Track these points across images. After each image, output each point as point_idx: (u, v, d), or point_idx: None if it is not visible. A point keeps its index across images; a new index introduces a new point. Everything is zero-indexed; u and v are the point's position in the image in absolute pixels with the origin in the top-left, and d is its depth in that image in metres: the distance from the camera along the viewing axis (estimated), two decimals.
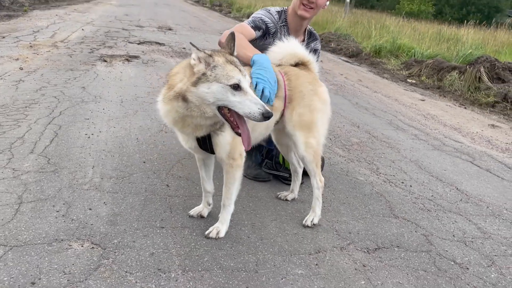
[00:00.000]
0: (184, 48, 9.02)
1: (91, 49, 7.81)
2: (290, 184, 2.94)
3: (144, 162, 3.01)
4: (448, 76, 8.21)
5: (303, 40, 3.08)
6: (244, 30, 2.66)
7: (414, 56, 10.18)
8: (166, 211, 2.38)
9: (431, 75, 8.72)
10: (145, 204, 2.44)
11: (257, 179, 2.95)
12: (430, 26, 19.43)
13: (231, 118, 1.76)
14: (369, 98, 6.43)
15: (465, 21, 16.39)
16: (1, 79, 5.02)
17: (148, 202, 2.46)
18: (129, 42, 8.95)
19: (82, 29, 10.25)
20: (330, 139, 4.16)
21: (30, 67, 5.83)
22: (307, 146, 2.29)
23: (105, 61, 6.81)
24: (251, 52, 2.32)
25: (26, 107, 4.02)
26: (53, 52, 7.11)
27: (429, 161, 3.90)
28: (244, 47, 2.35)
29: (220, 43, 2.52)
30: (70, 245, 1.98)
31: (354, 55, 11.37)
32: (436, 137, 4.75)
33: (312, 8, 2.84)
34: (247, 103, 1.67)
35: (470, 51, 9.50)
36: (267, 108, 1.68)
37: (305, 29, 3.07)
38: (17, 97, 4.32)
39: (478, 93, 7.45)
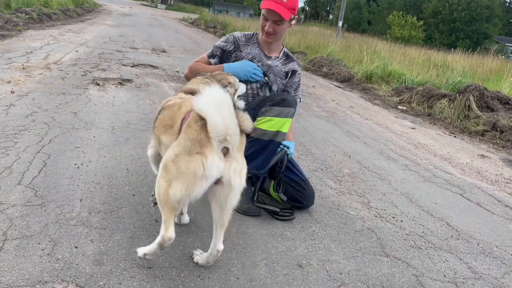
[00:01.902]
0: (177, 71, 9.06)
1: (84, 71, 7.81)
2: (280, 219, 2.92)
3: (133, 195, 2.98)
4: (438, 104, 8.31)
5: (277, 57, 3.24)
6: (202, 60, 3.17)
7: (405, 82, 10.32)
8: None
9: (422, 102, 8.83)
10: (133, 241, 2.39)
11: (248, 213, 2.93)
12: (420, 51, 19.81)
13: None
14: (360, 125, 6.47)
15: (455, 46, 16.69)
16: None
17: (136, 239, 2.42)
18: (122, 65, 8.97)
19: (76, 51, 10.27)
20: (322, 169, 4.16)
21: (22, 91, 5.79)
22: None
23: (98, 84, 6.81)
24: (207, 69, 2.95)
25: (15, 133, 3.97)
26: (45, 75, 7.09)
27: (419, 193, 3.90)
28: (200, 70, 2.97)
29: (186, 76, 3.10)
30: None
31: (346, 80, 11.50)
32: (426, 167, 4.77)
33: (273, 35, 3.05)
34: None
35: (459, 78, 9.65)
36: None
37: (280, 49, 3.28)
38: (7, 123, 4.28)
39: (467, 121, 7.54)
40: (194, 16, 34.48)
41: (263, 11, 2.97)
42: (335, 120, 6.60)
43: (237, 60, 3.10)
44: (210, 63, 3.14)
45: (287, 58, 3.33)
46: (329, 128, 5.96)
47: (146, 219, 2.68)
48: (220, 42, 3.18)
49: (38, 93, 5.76)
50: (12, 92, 5.63)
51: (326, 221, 3.03)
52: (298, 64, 3.40)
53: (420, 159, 5.07)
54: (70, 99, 5.57)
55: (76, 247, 2.26)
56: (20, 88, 5.96)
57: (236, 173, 1.91)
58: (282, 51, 3.30)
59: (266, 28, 3.02)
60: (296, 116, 6.42)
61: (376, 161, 4.73)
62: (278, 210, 2.95)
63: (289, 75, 3.31)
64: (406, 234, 3.03)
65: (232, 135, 1.79)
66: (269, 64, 3.19)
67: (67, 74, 7.39)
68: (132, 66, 8.98)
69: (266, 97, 3.06)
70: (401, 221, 3.24)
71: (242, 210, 2.94)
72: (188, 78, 3.10)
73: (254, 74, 3.00)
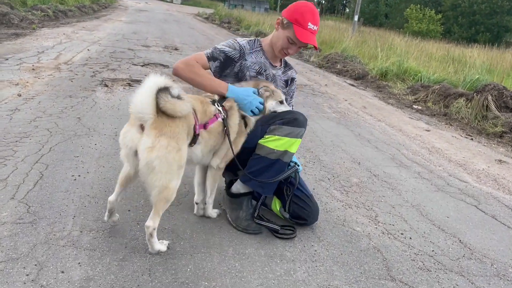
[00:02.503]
0: None
1: (93, 72, 7.77)
2: (281, 238, 2.79)
3: (128, 210, 2.88)
4: (454, 103, 8.04)
5: (280, 65, 3.15)
6: (200, 59, 2.81)
7: (421, 80, 10.04)
8: (145, 274, 2.23)
9: (438, 101, 8.56)
10: (123, 265, 2.29)
11: (247, 231, 2.80)
12: (438, 45, 19.33)
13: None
14: (372, 128, 6.28)
15: (474, 40, 16.23)
16: None
17: (127, 262, 2.31)
18: (133, 64, 8.91)
19: (88, 49, 10.25)
20: (329, 179, 4.00)
21: (29, 93, 5.76)
22: None
23: (106, 85, 6.75)
24: (207, 81, 2.75)
25: (16, 141, 3.92)
26: (54, 76, 7.06)
27: (431, 205, 3.72)
28: (199, 75, 2.75)
29: (177, 69, 2.77)
30: None
31: (360, 78, 11.26)
32: (440, 175, 4.57)
33: (287, 54, 2.98)
34: (284, 108, 2.90)
35: (477, 76, 9.33)
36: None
37: (281, 58, 3.17)
38: (10, 129, 4.23)
39: (485, 122, 7.26)
40: (209, 11, 34.35)
41: (293, 38, 2.79)
42: (346, 122, 6.41)
43: (242, 70, 2.93)
44: (208, 66, 2.88)
45: (286, 66, 3.21)
46: (339, 131, 5.78)
47: (139, 237, 2.58)
48: (224, 46, 2.93)
49: (45, 96, 5.72)
50: (19, 95, 5.60)
51: (329, 239, 2.88)
52: (295, 71, 3.28)
53: (434, 166, 4.87)
54: (76, 102, 5.52)
55: (62, 272, 2.17)
56: (28, 90, 5.93)
57: (145, 147, 2.12)
58: (283, 61, 3.17)
59: (289, 50, 2.91)
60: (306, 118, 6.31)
61: (387, 168, 4.55)
62: (278, 228, 2.81)
63: (288, 83, 3.18)
64: (415, 253, 2.87)
65: (142, 113, 2.09)
66: (274, 73, 3.05)
67: (76, 74, 7.35)
68: (142, 66, 8.91)
69: (275, 114, 2.91)
70: (410, 238, 3.07)
71: (241, 228, 2.82)
72: (179, 72, 2.74)
73: (256, 108, 2.73)
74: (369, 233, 3.05)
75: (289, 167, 2.82)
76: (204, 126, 2.49)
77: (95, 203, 2.91)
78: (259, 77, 2.97)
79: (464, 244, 3.11)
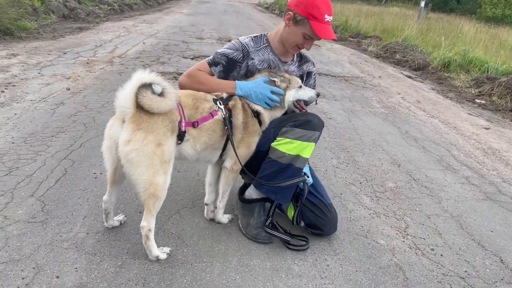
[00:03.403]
0: None
1: (144, 65, 7.92)
2: (292, 249, 2.62)
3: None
4: None
5: (293, 60, 2.94)
6: (202, 68, 2.75)
7: (487, 71, 9.23)
8: (138, 284, 2.17)
9: (504, 95, 7.82)
10: (119, 272, 2.25)
11: (257, 240, 2.66)
12: None
13: (299, 106, 2.76)
14: (423, 125, 5.83)
15: None
16: (44, 101, 5.16)
17: (124, 269, 2.27)
18: (183, 57, 8.99)
19: (144, 43, 10.50)
20: (360, 182, 3.74)
21: (77, 87, 5.97)
22: None
23: None
24: (213, 86, 2.66)
25: (52, 136, 4.05)
26: (106, 70, 7.28)
27: (474, 217, 3.35)
28: (204, 83, 2.68)
29: (181, 83, 2.73)
30: None
31: (420, 69, 10.61)
32: (492, 181, 4.13)
33: (300, 49, 2.84)
34: (308, 92, 2.75)
35: None
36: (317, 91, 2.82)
37: None
38: (50, 123, 4.39)
39: None
40: (270, 0, 34.06)
41: (310, 34, 2.62)
42: (394, 118, 6.01)
43: (250, 70, 2.80)
44: (211, 72, 2.77)
45: (301, 59, 2.99)
46: (384, 129, 5.42)
47: (142, 243, 2.52)
48: (225, 49, 2.76)
49: (91, 90, 5.89)
50: (68, 89, 5.82)
51: (346, 253, 2.66)
52: (313, 64, 3.05)
53: (487, 169, 4.41)
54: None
55: (57, 277, 2.16)
56: (77, 84, 6.15)
57: (123, 141, 2.17)
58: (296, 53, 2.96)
59: (304, 45, 2.73)
60: (348, 114, 6.03)
61: (431, 171, 4.18)
62: (289, 239, 2.64)
63: (304, 78, 2.96)
64: (443, 274, 2.57)
65: (123, 107, 2.15)
66: (285, 70, 2.86)
67: (127, 68, 7.54)
68: (192, 59, 8.96)
69: (288, 115, 2.74)
70: (441, 255, 2.77)
71: (250, 236, 2.68)
72: (184, 85, 2.69)
73: (269, 98, 2.61)
74: (393, 247, 2.79)
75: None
76: (194, 124, 2.39)
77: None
78: None
79: (505, 265, 2.75)
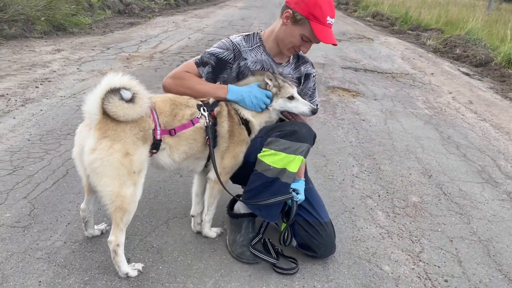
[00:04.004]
0: None
1: (182, 61, 7.87)
2: (280, 272, 2.36)
3: None
4: None
5: (288, 62, 2.64)
6: (189, 68, 2.51)
7: None
8: None
9: None
10: None
11: (240, 259, 2.43)
12: None
13: (290, 117, 2.47)
14: (470, 130, 5.26)
15: None
16: (74, 97, 5.23)
17: (88, 287, 2.13)
18: None
19: (189, 38, 10.51)
20: (379, 195, 3.37)
21: None
22: None
23: None
24: (202, 90, 2.42)
25: (68, 134, 4.05)
26: (143, 65, 7.32)
27: (508, 242, 2.90)
28: (190, 88, 2.43)
29: (165, 86, 2.50)
30: None
31: (481, 65, 9.75)
32: None
33: (296, 52, 2.53)
34: (300, 106, 2.43)
35: None
36: (314, 106, 2.48)
37: None
38: (70, 121, 4.41)
39: None
40: None
41: (310, 36, 2.35)
42: (438, 121, 5.48)
43: (242, 72, 2.55)
44: (199, 73, 2.51)
45: (298, 60, 2.69)
46: (423, 133, 4.94)
47: None
48: (215, 48, 2.52)
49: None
50: None
51: (340, 280, 2.36)
52: (312, 65, 2.73)
53: None
54: None
55: None
56: None
57: (88, 149, 2.03)
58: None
59: (301, 48, 2.46)
60: (385, 115, 5.57)
61: (466, 184, 3.71)
62: (275, 261, 2.38)
63: (302, 81, 2.67)
64: None
65: (89, 113, 2.03)
66: (280, 72, 2.59)
67: (164, 64, 7.53)
68: None
69: (276, 124, 2.48)
70: None
71: (235, 254, 2.45)
72: (169, 88, 2.46)
73: (264, 103, 2.41)
74: (399, 276, 2.44)
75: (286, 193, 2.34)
76: (170, 132, 2.19)
77: (97, 210, 2.79)
78: None
79: None
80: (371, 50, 10.78)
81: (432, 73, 8.50)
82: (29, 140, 3.86)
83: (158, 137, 2.19)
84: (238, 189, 2.82)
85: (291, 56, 2.63)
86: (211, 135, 2.29)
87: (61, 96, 5.23)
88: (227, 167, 2.41)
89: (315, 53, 9.58)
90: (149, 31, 11.10)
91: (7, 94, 5.11)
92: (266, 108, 2.43)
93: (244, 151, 2.42)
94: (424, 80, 7.84)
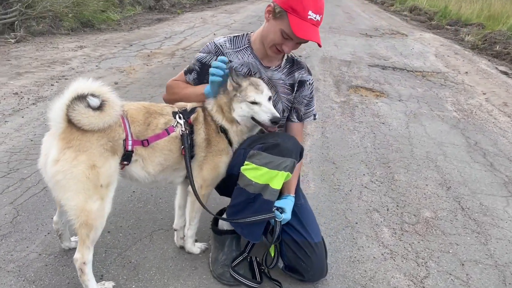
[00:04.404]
0: (300, 56, 8.33)
1: None
2: None
3: (108, 231, 2.57)
4: None
5: (279, 66, 2.38)
6: (179, 77, 2.47)
7: None
8: None
9: None
10: None
11: (221, 280, 2.24)
12: None
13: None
14: (501, 135, 4.85)
15: None
16: None
17: None
18: None
19: (214, 34, 10.38)
20: (388, 209, 3.10)
21: (126, 81, 5.96)
22: None
23: None
24: (186, 93, 2.33)
25: None
26: (163, 63, 7.23)
27: None
28: (177, 93, 2.38)
29: (164, 98, 2.47)
30: None
31: None
32: None
33: (281, 52, 2.24)
34: (261, 113, 2.10)
35: None
36: (277, 115, 2.09)
37: (283, 56, 2.40)
38: None
39: None
40: None
41: (287, 31, 2.10)
42: (466, 125, 5.09)
43: (226, 75, 2.35)
44: (186, 81, 2.43)
45: (293, 65, 2.43)
46: (447, 139, 4.58)
47: (95, 271, 2.23)
48: (199, 53, 2.42)
49: (138, 84, 5.83)
50: (116, 83, 5.81)
51: None
52: (308, 71, 2.46)
53: None
54: (159, 92, 5.48)
55: None
56: (127, 78, 6.14)
57: (51, 159, 1.88)
58: (285, 56, 2.42)
59: (283, 47, 2.19)
60: (408, 118, 5.22)
61: (489, 198, 3.37)
62: (256, 286, 2.17)
63: (295, 88, 2.42)
64: None
65: (53, 121, 1.89)
66: (269, 76, 2.36)
67: (185, 61, 7.42)
68: None
69: (260, 135, 2.27)
70: None
71: (216, 274, 2.27)
72: (164, 99, 2.47)
73: (213, 74, 2.16)
74: None
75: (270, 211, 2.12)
76: (143, 142, 2.03)
77: None
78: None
79: None
80: (404, 46, 10.30)
81: (466, 72, 8.00)
82: (31, 140, 3.81)
83: (129, 148, 2.03)
84: (225, 201, 2.63)
85: (284, 60, 2.40)
86: (187, 144, 2.12)
87: None
88: (207, 179, 2.23)
89: (343, 50, 9.24)
90: (175, 27, 11.04)
91: (21, 92, 5.12)
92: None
93: (225, 162, 2.23)
94: (456, 80, 7.38)
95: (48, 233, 2.53)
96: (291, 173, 2.08)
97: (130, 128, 2.03)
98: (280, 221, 2.12)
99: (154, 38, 9.32)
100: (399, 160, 3.95)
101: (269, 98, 2.15)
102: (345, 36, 11.05)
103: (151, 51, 8.04)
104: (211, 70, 2.16)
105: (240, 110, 2.14)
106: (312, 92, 2.46)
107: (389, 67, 7.99)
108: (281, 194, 2.28)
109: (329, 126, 4.65)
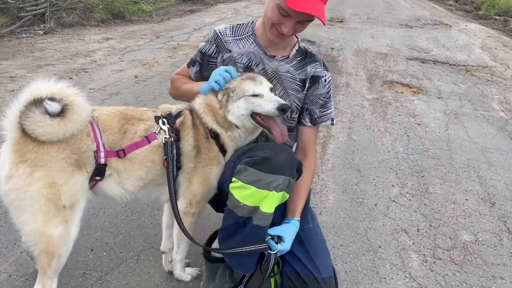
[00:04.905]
0: (332, 48, 7.85)
1: None
2: None
3: (92, 250, 2.28)
4: None
5: (287, 57, 2.03)
6: (182, 70, 2.20)
7: None
8: None
9: None
10: None
11: None
12: None
13: (265, 123, 1.82)
14: None
15: None
16: (102, 90, 4.98)
17: None
18: None
19: None
20: (419, 229, 2.66)
21: (147, 75, 5.73)
22: None
23: None
24: (185, 89, 2.06)
25: None
26: (188, 55, 6.95)
27: None
28: (178, 88, 2.12)
29: (169, 93, 2.25)
30: None
31: None
32: None
33: (283, 35, 1.86)
34: (264, 103, 1.77)
35: None
36: (284, 102, 1.75)
37: (293, 45, 2.06)
38: None
39: None
40: None
41: (283, 6, 1.75)
42: None
43: (226, 66, 2.02)
44: (189, 74, 2.14)
45: (305, 57, 2.05)
46: (493, 143, 4.05)
47: None
48: (201, 43, 2.13)
49: (157, 78, 5.57)
50: (136, 76, 5.59)
51: None
52: (324, 65, 2.07)
53: None
54: None
55: None
56: (148, 72, 5.90)
57: (3, 175, 1.60)
58: (296, 47, 2.05)
59: (282, 27, 1.83)
60: (448, 118, 4.67)
61: None
62: None
63: (307, 84, 2.03)
64: None
65: (4, 130, 1.62)
66: (274, 68, 2.00)
67: None
68: None
69: (251, 145, 1.91)
70: None
71: None
72: (171, 94, 2.24)
73: (215, 81, 1.87)
74: None
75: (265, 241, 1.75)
76: (118, 153, 1.72)
77: None
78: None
79: None
80: (447, 38, 9.58)
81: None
82: None
83: (102, 161, 1.72)
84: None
85: (294, 51, 2.03)
86: (170, 154, 1.79)
87: (90, 89, 4.99)
88: (197, 194, 1.90)
89: (379, 41, 8.66)
90: (205, 18, 10.76)
91: None
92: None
93: (217, 173, 1.90)
94: (505, 75, 6.70)
95: (23, 252, 2.27)
96: (288, 192, 1.71)
97: (101, 137, 1.72)
98: (275, 253, 1.75)
99: (182, 30, 9.07)
100: (435, 168, 3.47)
101: (271, 89, 1.85)
102: (383, 27, 10.42)
103: (177, 43, 7.79)
104: (215, 76, 1.86)
105: (237, 110, 1.81)
106: (329, 91, 2.07)
107: (429, 60, 7.38)
108: (284, 216, 1.92)
109: (357, 126, 4.21)
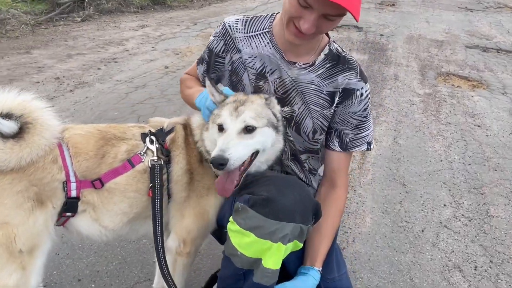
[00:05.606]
0: (381, 35, 7.20)
1: None
2: None
3: (79, 280, 1.97)
4: None
5: (312, 63, 1.54)
6: (191, 70, 1.85)
7: None
8: None
9: None
10: None
11: None
12: None
13: None
14: None
15: None
16: (129, 82, 4.73)
17: None
18: None
19: None
20: (477, 266, 2.15)
21: (177, 66, 5.44)
22: None
23: None
24: (187, 95, 1.70)
25: None
26: None
27: None
28: (183, 92, 1.78)
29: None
30: None
31: None
32: None
33: (309, 35, 1.40)
34: (210, 143, 1.45)
35: None
36: (225, 156, 1.27)
37: (321, 48, 1.57)
38: (107, 113, 3.89)
39: None
40: None
41: None
42: None
43: (235, 71, 1.65)
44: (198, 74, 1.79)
45: (337, 63, 1.56)
46: None
47: None
48: (211, 38, 1.71)
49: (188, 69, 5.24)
50: (166, 67, 5.30)
51: None
52: (361, 75, 1.57)
53: None
54: None
55: None
56: (180, 62, 5.60)
57: None
58: (325, 50, 1.57)
59: (301, 23, 1.36)
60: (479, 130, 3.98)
61: None
62: None
63: (336, 99, 1.55)
64: None
65: None
66: (293, 76, 1.54)
67: None
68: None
69: (256, 176, 1.45)
70: None
71: None
72: (182, 96, 1.84)
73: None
74: None
75: None
76: (94, 183, 1.40)
77: (56, 255, 2.11)
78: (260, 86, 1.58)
79: None
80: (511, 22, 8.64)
81: None
82: None
83: (73, 194, 1.37)
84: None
85: (322, 55, 1.55)
86: (158, 181, 1.41)
87: (117, 80, 4.75)
88: (192, 229, 1.53)
89: (435, 27, 7.90)
90: (247, 3, 10.34)
91: (63, 76, 4.78)
92: None
93: (215, 205, 1.54)
94: None
95: None
96: (300, 242, 1.28)
97: (72, 163, 1.37)
98: None
99: (222, 16, 8.69)
100: (497, 183, 2.91)
101: (247, 129, 1.37)
102: (440, 10, 9.56)
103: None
104: (208, 105, 1.49)
105: (206, 135, 1.46)
106: (367, 108, 1.57)
107: (492, 48, 6.61)
108: (301, 261, 1.50)
109: (404, 128, 3.67)
